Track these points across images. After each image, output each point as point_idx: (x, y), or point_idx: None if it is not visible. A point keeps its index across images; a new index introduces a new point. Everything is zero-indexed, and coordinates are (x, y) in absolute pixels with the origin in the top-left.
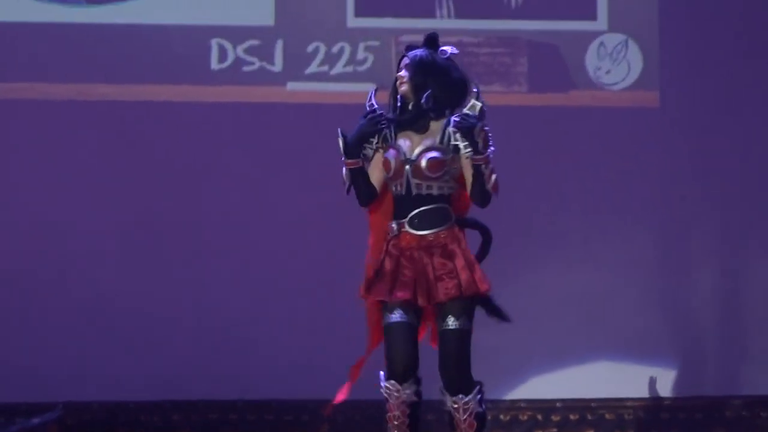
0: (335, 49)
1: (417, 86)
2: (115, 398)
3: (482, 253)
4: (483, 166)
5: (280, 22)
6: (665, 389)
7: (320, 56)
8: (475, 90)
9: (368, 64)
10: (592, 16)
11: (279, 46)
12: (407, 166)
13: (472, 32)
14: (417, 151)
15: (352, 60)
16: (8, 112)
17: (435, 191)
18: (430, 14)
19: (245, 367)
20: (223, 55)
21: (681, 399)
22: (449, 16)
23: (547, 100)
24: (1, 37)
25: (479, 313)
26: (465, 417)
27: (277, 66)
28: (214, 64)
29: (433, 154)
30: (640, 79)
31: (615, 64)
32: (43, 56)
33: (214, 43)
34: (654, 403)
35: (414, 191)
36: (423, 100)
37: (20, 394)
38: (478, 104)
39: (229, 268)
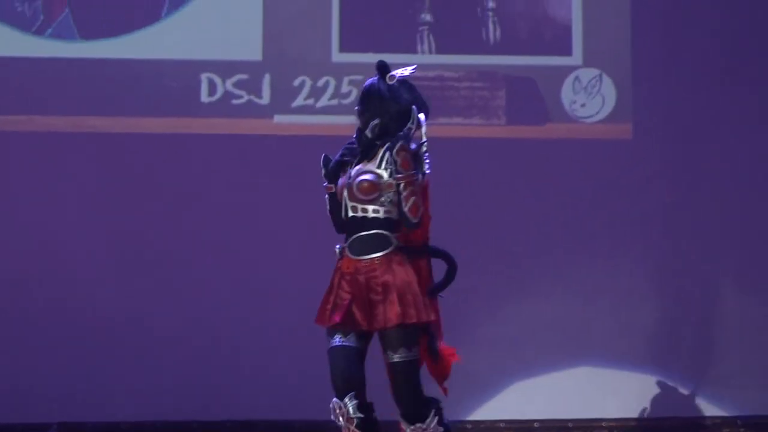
0: (320, 83)
1: (365, 117)
2: (108, 419)
3: (445, 281)
4: (401, 185)
5: (267, 58)
6: (640, 410)
7: (306, 90)
8: (417, 114)
9: (352, 97)
10: (568, 51)
11: (266, 80)
12: (345, 189)
13: (453, 67)
14: (353, 174)
15: (336, 93)
16: (7, 143)
17: (370, 214)
18: (412, 50)
19: (234, 387)
20: (212, 89)
21: (655, 419)
22: (430, 52)
23: (525, 132)
24: (1, 71)
25: (463, 335)
26: None
27: (265, 99)
28: (204, 97)
29: (365, 176)
30: (614, 112)
31: (590, 97)
32: (40, 90)
33: (204, 77)
34: (630, 423)
35: (350, 213)
36: (368, 129)
37: (14, 414)
38: (411, 126)
39: (216, 294)
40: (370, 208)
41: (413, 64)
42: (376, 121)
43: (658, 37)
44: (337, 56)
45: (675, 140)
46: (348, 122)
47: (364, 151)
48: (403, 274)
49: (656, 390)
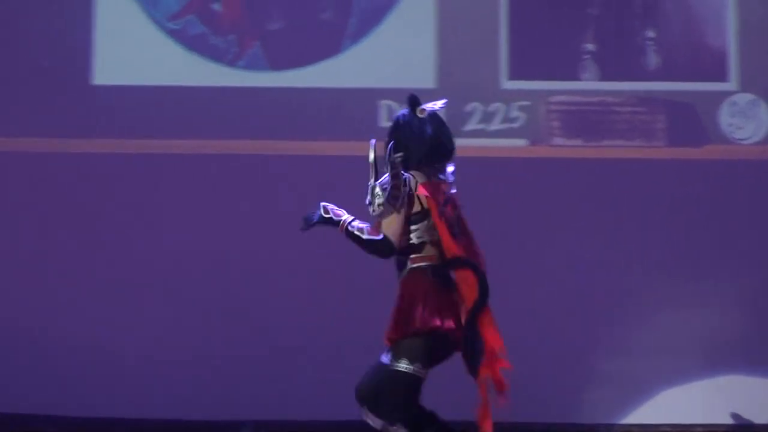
0: (491, 108)
1: (390, 145)
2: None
3: (480, 298)
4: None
5: (441, 85)
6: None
7: (478, 115)
8: (394, 152)
9: (521, 122)
10: (724, 77)
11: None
12: None
13: (615, 93)
14: None
15: (506, 118)
16: (206, 163)
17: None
18: (576, 77)
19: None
20: (390, 115)
21: None
22: (593, 79)
23: (684, 154)
24: (196, 99)
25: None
26: None
27: None
28: (383, 122)
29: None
30: None
31: (746, 120)
32: (232, 115)
33: (383, 104)
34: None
35: None
36: (390, 157)
37: (209, 413)
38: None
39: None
40: None
41: (443, 99)
42: (400, 154)
43: None
44: (506, 84)
45: None
46: (517, 145)
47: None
48: (405, 293)
49: None
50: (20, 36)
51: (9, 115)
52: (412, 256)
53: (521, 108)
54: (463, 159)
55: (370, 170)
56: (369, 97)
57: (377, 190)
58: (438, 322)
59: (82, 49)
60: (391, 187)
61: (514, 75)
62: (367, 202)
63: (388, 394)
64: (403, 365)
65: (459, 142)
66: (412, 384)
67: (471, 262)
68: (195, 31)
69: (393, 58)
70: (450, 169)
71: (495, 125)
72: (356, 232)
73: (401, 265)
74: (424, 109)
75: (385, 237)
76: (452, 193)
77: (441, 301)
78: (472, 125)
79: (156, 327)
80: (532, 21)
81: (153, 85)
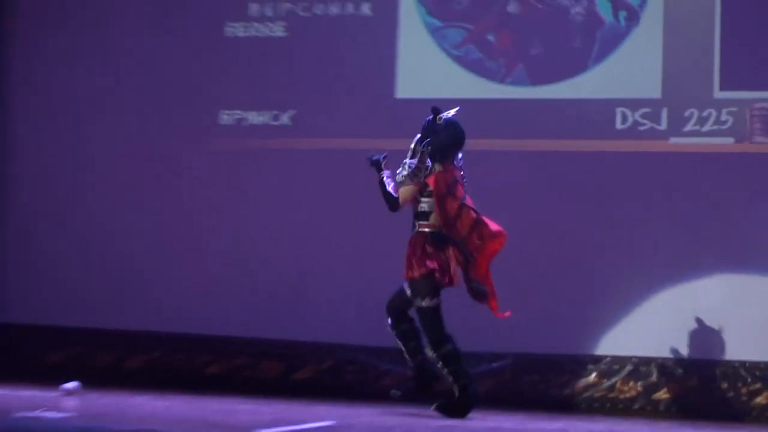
0: (705, 113)
1: (421, 141)
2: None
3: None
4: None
5: (665, 95)
6: None
7: (694, 119)
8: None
9: (728, 125)
10: None
11: (664, 112)
12: None
13: None
14: None
15: (717, 121)
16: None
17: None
18: None
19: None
20: (624, 119)
21: None
22: None
23: None
24: (474, 108)
25: None
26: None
27: (663, 126)
28: (618, 125)
29: None
30: None
31: None
32: (499, 121)
33: (618, 110)
34: None
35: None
36: (421, 147)
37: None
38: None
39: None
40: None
41: (457, 107)
42: (423, 146)
43: None
44: (718, 93)
45: None
46: (725, 142)
47: (375, 166)
48: (411, 246)
49: None
50: (342, 61)
51: (327, 119)
52: (420, 222)
53: (729, 113)
54: (683, 154)
55: (409, 153)
56: (607, 105)
57: (405, 166)
58: (430, 266)
59: (388, 70)
60: (415, 168)
61: (724, 86)
62: (398, 171)
63: (427, 329)
64: (422, 303)
65: (678, 140)
66: (434, 311)
67: (451, 235)
68: (474, 57)
69: (627, 75)
70: (459, 155)
71: (707, 127)
72: (386, 185)
73: (413, 227)
74: (441, 117)
75: (397, 197)
76: (461, 174)
77: (432, 255)
78: (689, 127)
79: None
80: (740, 43)
81: (442, 98)
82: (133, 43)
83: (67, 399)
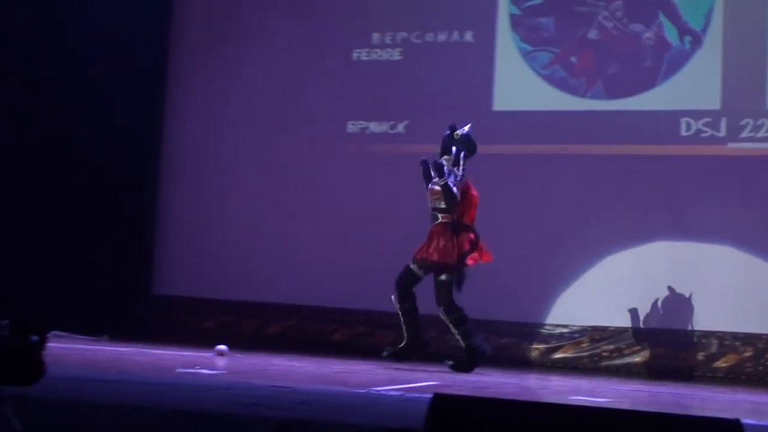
0: (759, 122)
1: (441, 153)
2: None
3: (470, 248)
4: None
5: (723, 107)
6: None
7: (749, 127)
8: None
9: None
10: None
11: (723, 121)
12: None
13: None
14: (432, 183)
15: None
16: (554, 163)
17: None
18: None
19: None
20: (688, 127)
21: None
22: None
23: None
24: (560, 120)
25: None
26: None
27: (722, 133)
28: (683, 132)
29: (436, 186)
30: None
31: None
32: (577, 130)
33: (683, 120)
34: None
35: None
36: (441, 159)
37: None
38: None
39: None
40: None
41: (469, 123)
42: (446, 159)
43: None
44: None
45: None
46: None
47: (438, 171)
48: (434, 234)
49: None
50: (448, 79)
51: (435, 128)
52: (443, 214)
53: None
54: (739, 157)
55: (449, 162)
56: (674, 116)
57: (453, 174)
58: (452, 253)
59: (487, 86)
60: (461, 176)
61: None
62: (434, 173)
63: (442, 297)
64: (442, 277)
65: (735, 145)
66: (448, 285)
67: (471, 226)
68: (559, 75)
69: (690, 90)
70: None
71: (761, 134)
72: (452, 187)
73: (434, 218)
74: (458, 132)
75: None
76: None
77: (451, 242)
78: (745, 134)
79: None
80: None
81: (532, 110)
82: (279, 66)
83: (219, 359)
